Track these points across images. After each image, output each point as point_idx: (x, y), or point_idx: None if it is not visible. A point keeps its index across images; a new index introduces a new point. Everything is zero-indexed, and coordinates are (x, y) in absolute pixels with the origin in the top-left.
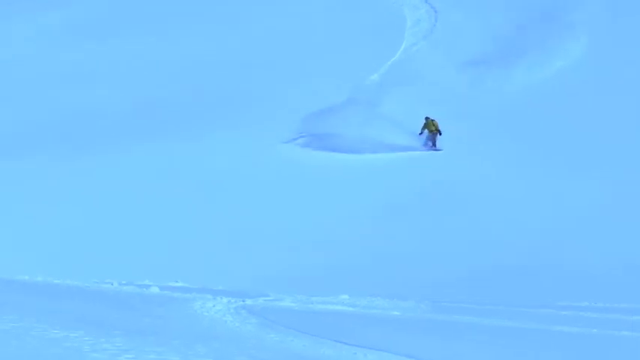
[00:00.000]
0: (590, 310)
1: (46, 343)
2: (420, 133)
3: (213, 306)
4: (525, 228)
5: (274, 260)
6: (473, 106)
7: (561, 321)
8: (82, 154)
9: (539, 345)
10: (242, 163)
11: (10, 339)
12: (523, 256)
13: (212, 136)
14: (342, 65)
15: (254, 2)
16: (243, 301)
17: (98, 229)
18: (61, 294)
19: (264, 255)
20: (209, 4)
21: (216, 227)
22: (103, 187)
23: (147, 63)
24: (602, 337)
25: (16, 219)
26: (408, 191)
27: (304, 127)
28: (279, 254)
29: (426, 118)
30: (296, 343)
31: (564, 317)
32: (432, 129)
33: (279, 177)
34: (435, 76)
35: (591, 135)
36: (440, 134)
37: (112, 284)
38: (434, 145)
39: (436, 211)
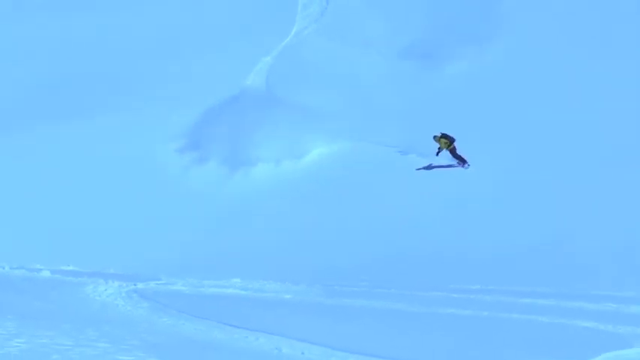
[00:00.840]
0: (482, 293)
1: None
2: (438, 154)
3: (105, 290)
4: (419, 216)
5: (165, 244)
6: (365, 92)
7: (452, 304)
8: None
9: (428, 327)
10: (131, 152)
11: None
12: (416, 243)
13: (102, 120)
14: (233, 50)
15: None
16: (135, 284)
17: None
18: None
19: (155, 239)
20: None
21: (106, 212)
22: None
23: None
24: (493, 319)
25: None
26: (306, 181)
27: (200, 127)
28: (171, 239)
29: (434, 138)
30: (188, 327)
31: (455, 300)
32: (445, 146)
33: (169, 167)
34: (327, 59)
35: (489, 128)
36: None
37: (4, 268)
38: (461, 160)
39: (331, 201)
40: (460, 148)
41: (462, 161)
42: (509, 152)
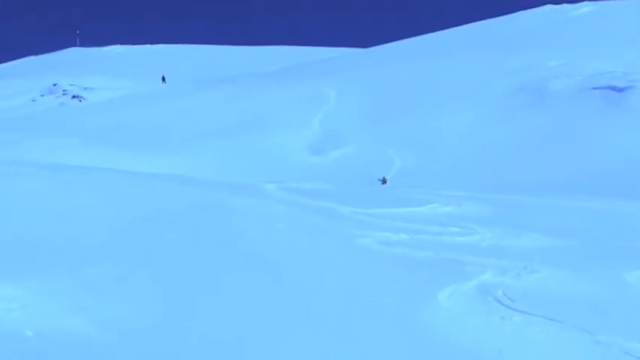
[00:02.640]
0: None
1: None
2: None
3: (273, 187)
4: None
5: (289, 177)
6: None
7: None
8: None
9: None
10: (284, 149)
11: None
12: None
13: (271, 136)
14: (305, 115)
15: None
16: (282, 184)
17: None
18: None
19: (286, 175)
20: None
21: (277, 167)
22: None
23: None
24: None
25: None
26: (339, 161)
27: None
28: (293, 174)
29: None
30: (296, 198)
31: None
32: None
33: (300, 155)
34: (341, 116)
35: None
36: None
37: (249, 181)
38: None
39: (349, 170)
40: None
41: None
42: None
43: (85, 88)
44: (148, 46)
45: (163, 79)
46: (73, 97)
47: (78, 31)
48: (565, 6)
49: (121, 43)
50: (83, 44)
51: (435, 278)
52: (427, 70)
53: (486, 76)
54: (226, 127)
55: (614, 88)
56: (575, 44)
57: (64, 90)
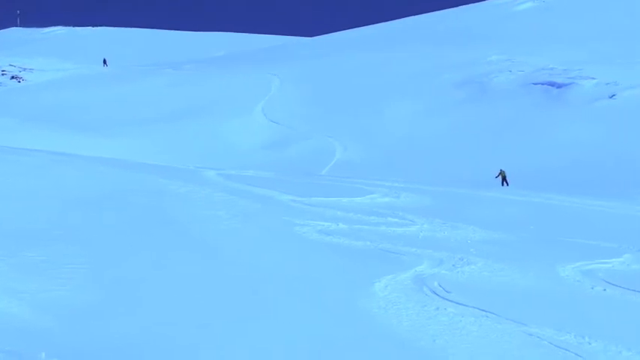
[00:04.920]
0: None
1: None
2: (497, 177)
3: (213, 174)
4: None
5: (243, 164)
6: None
7: None
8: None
9: None
10: (244, 143)
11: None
12: None
13: (234, 123)
14: (240, 106)
15: None
16: (223, 171)
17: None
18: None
19: (243, 163)
20: None
21: (240, 157)
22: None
23: None
24: None
25: None
26: (297, 150)
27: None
28: (246, 163)
29: (500, 170)
30: (237, 186)
31: None
32: (502, 175)
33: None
34: (288, 101)
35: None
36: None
37: (189, 167)
38: (506, 183)
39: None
40: None
41: (506, 183)
42: None
43: (25, 69)
44: (90, 28)
45: (105, 62)
46: (12, 77)
47: (19, 11)
48: (508, 1)
49: (63, 25)
50: (24, 24)
51: (372, 268)
52: (370, 61)
53: (429, 69)
54: (168, 112)
55: (553, 84)
56: (517, 40)
57: (2, 70)
